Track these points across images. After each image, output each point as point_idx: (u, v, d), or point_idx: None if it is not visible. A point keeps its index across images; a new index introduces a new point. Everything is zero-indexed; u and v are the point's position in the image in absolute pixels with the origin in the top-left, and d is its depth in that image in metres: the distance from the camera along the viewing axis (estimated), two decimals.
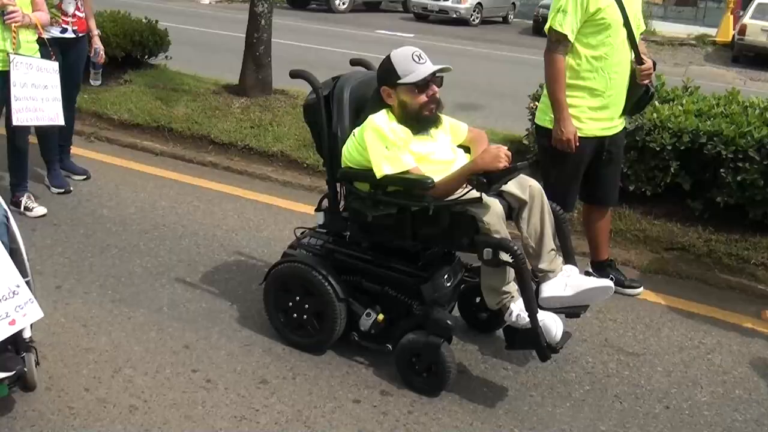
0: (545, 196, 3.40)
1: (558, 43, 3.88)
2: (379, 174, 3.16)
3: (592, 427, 3.25)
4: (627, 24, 3.93)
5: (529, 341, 3.17)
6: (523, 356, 3.68)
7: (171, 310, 3.94)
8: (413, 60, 3.26)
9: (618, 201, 4.65)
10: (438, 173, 3.17)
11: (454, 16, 21.54)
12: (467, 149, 3.52)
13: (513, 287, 3.18)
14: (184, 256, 4.59)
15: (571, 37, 3.86)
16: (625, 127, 4.34)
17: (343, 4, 22.10)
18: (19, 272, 2.97)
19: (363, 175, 3.29)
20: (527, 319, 3.12)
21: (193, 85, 8.00)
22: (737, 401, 3.52)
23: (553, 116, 3.98)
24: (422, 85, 3.24)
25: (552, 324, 3.14)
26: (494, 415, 3.26)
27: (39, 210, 5.01)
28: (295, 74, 3.54)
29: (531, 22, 22.07)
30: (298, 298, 3.55)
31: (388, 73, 3.28)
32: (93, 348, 3.53)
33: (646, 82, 4.11)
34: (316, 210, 3.72)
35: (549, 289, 3.35)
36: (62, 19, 5.16)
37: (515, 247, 3.04)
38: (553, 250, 3.40)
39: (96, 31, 5.55)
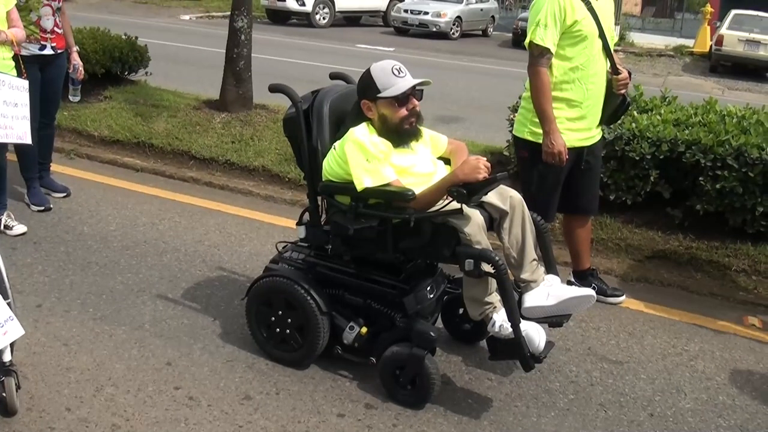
0: (526, 206, 3.41)
1: (541, 56, 3.91)
2: (359, 187, 3.16)
3: None
4: (602, 35, 3.98)
5: (513, 351, 3.18)
6: (507, 367, 3.68)
7: (153, 326, 3.91)
8: (393, 73, 3.27)
9: (597, 210, 4.66)
10: (419, 185, 3.18)
11: (434, 29, 21.62)
12: (447, 161, 3.53)
13: (495, 298, 3.19)
14: (166, 272, 4.56)
15: (553, 50, 3.89)
16: (603, 137, 4.37)
17: (324, 18, 22.14)
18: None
19: (344, 188, 3.29)
20: (510, 330, 3.12)
21: (173, 100, 7.98)
22: (721, 407, 3.54)
23: (533, 129, 4.02)
24: (402, 99, 3.25)
25: (535, 334, 3.15)
26: (479, 426, 3.26)
27: (19, 228, 4.96)
28: (274, 89, 3.53)
29: (510, 35, 22.20)
30: (280, 312, 3.54)
31: (368, 86, 3.29)
32: (74, 367, 3.49)
33: (623, 91, 4.15)
34: (298, 224, 3.71)
35: (531, 299, 3.35)
36: (41, 36, 5.13)
37: (497, 258, 3.05)
38: (534, 260, 3.40)
39: (75, 48, 5.53)
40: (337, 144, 3.32)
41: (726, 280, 4.94)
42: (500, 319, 3.16)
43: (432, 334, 3.27)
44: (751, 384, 3.76)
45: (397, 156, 3.27)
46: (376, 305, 3.42)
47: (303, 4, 21.45)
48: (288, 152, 6.18)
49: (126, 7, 23.80)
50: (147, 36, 9.91)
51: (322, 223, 3.59)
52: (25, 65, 4.68)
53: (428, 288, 3.41)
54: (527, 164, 4.14)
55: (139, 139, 6.99)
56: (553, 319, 3.39)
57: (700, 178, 5.07)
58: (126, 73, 8.43)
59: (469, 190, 3.01)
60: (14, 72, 4.54)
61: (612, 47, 4.06)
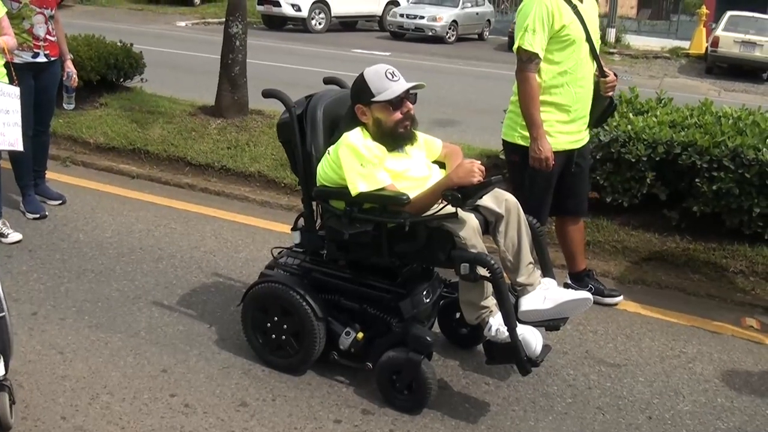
0: (521, 209, 3.41)
1: (529, 61, 3.91)
2: (354, 191, 3.15)
3: None
4: (589, 39, 4.01)
5: (509, 355, 3.16)
6: (504, 371, 3.66)
7: (148, 334, 3.89)
8: (387, 77, 3.26)
9: (587, 212, 4.66)
10: (413, 190, 3.17)
11: (430, 34, 21.62)
12: (442, 165, 3.52)
13: (491, 302, 3.18)
14: (162, 279, 4.54)
15: (542, 55, 3.90)
16: (599, 139, 4.37)
17: (320, 24, 22.13)
18: None
19: (338, 192, 3.28)
20: (507, 334, 3.11)
21: (168, 107, 7.97)
22: (719, 409, 3.52)
23: (524, 133, 4.02)
24: (396, 103, 3.24)
25: (531, 337, 3.13)
26: (476, 430, 3.24)
27: (14, 236, 4.95)
28: (267, 94, 3.53)
29: (506, 38, 22.16)
30: (276, 318, 3.52)
31: (362, 91, 3.28)
32: (69, 375, 3.48)
33: (610, 93, 4.19)
34: (293, 229, 3.71)
35: (528, 303, 3.34)
36: (33, 44, 5.12)
37: (492, 262, 3.04)
38: (531, 263, 3.40)
39: (68, 55, 5.52)
40: (331, 149, 3.31)
41: (723, 281, 4.93)
42: (497, 323, 3.15)
43: (428, 338, 3.26)
44: (750, 386, 3.74)
45: (391, 160, 3.26)
46: (372, 310, 3.41)
47: (299, 10, 21.44)
48: (284, 158, 6.15)
49: (122, 14, 23.80)
50: (143, 43, 9.91)
51: (317, 228, 3.58)
52: (18, 73, 4.68)
53: (424, 292, 3.39)
54: (518, 168, 4.14)
55: (135, 146, 6.98)
56: (550, 323, 3.38)
57: (697, 180, 5.06)
58: (121, 80, 8.42)
59: (463, 194, 3.00)
60: (6, 79, 4.53)
61: (598, 50, 4.08)
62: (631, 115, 5.58)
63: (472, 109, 10.75)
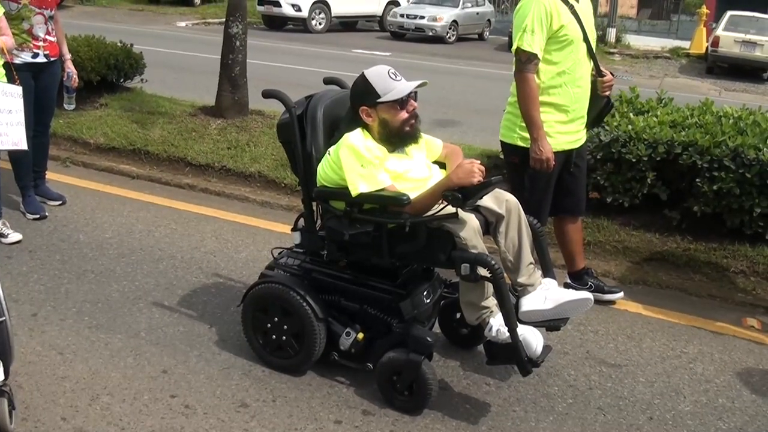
0: (522, 209, 3.40)
1: (528, 62, 3.91)
2: (354, 192, 3.15)
3: None
4: (586, 38, 4.01)
5: (510, 356, 3.16)
6: (505, 371, 3.66)
7: (148, 334, 3.89)
8: (390, 78, 3.26)
9: (585, 211, 4.66)
10: (414, 191, 3.16)
11: (430, 34, 21.61)
12: (443, 165, 3.52)
13: (492, 302, 3.17)
14: (162, 279, 4.54)
15: (540, 55, 3.90)
16: (600, 139, 4.37)
17: (320, 24, 22.12)
18: None
19: (338, 193, 3.27)
20: (507, 334, 3.10)
21: (169, 107, 7.97)
22: (720, 410, 3.52)
23: (523, 134, 4.02)
24: (403, 102, 3.24)
25: (532, 338, 3.13)
26: (477, 431, 3.23)
27: (14, 236, 4.94)
28: (267, 94, 3.53)
29: (506, 38, 22.13)
30: (276, 319, 3.52)
31: (366, 92, 3.27)
32: (69, 376, 3.47)
33: (607, 93, 4.20)
34: (293, 230, 3.70)
35: (528, 303, 3.34)
36: (33, 44, 5.11)
37: (493, 262, 3.03)
38: (531, 263, 3.39)
39: (68, 55, 5.51)
40: (331, 149, 3.30)
41: (724, 281, 4.92)
42: (497, 324, 3.15)
43: (429, 339, 3.25)
44: (751, 386, 3.74)
45: (392, 161, 3.25)
46: (373, 311, 3.40)
47: (299, 10, 21.43)
48: (284, 158, 6.14)
49: (122, 14, 23.80)
50: (143, 43, 9.91)
51: (318, 228, 3.57)
52: (18, 73, 4.67)
53: (425, 293, 3.39)
54: (518, 170, 4.13)
55: (135, 146, 6.97)
56: (550, 323, 3.38)
57: (697, 180, 5.05)
58: (121, 80, 8.43)
59: (464, 194, 3.00)
60: (5, 79, 4.53)
61: (594, 49, 4.08)
62: (631, 115, 5.58)
63: (472, 109, 10.75)
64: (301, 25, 21.94)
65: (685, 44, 22.16)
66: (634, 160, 5.17)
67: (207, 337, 3.89)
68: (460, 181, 3.04)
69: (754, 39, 17.44)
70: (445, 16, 21.93)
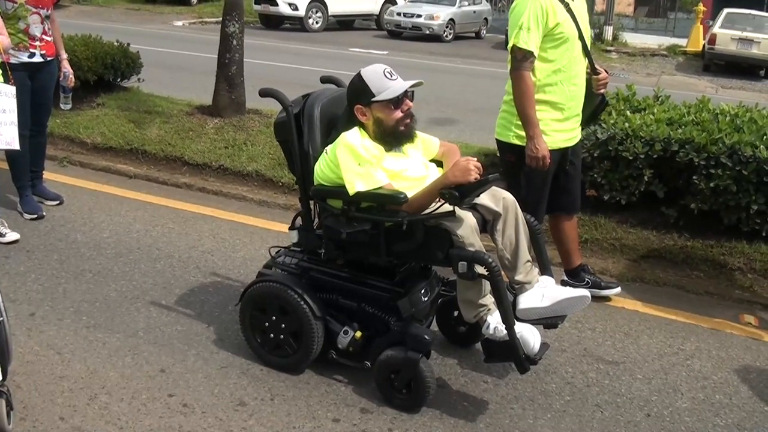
0: (519, 207, 3.40)
1: (524, 60, 3.91)
2: (351, 191, 3.15)
3: None
4: (581, 36, 4.01)
5: (508, 353, 3.16)
6: (503, 369, 3.67)
7: (146, 334, 3.89)
8: (385, 77, 3.27)
9: (585, 210, 4.67)
10: (411, 189, 3.16)
11: (428, 32, 21.61)
12: (440, 164, 3.52)
13: (489, 300, 3.17)
14: (160, 278, 4.54)
15: (536, 53, 3.90)
16: (597, 136, 4.37)
17: (317, 23, 22.11)
18: None
19: (336, 192, 3.27)
20: (505, 332, 3.11)
21: (166, 106, 7.96)
22: (718, 406, 3.53)
23: (519, 132, 4.03)
24: (397, 101, 3.24)
25: (530, 335, 3.14)
26: (475, 429, 3.24)
27: (11, 236, 4.93)
28: (264, 93, 3.52)
29: (503, 36, 22.18)
30: (274, 317, 3.52)
31: (361, 91, 3.27)
32: (68, 375, 3.47)
33: (602, 90, 4.21)
34: (290, 228, 3.70)
35: (526, 301, 3.34)
36: (30, 44, 5.11)
37: (490, 260, 3.04)
38: (528, 261, 3.39)
39: (64, 55, 5.50)
40: (328, 148, 3.30)
41: (721, 278, 4.93)
42: (495, 322, 3.15)
43: (427, 337, 3.26)
44: (748, 382, 3.75)
45: (389, 160, 3.26)
46: (371, 309, 3.40)
47: (296, 9, 21.42)
48: (281, 157, 6.15)
49: (118, 14, 23.77)
50: (139, 42, 9.89)
51: (315, 227, 3.58)
52: (14, 73, 4.66)
53: (422, 291, 3.40)
54: (514, 168, 4.13)
55: (132, 146, 6.97)
56: (548, 321, 3.38)
57: (694, 177, 5.06)
58: (118, 79, 8.42)
59: (461, 192, 3.00)
60: (1, 79, 4.53)
61: (589, 47, 4.09)
62: (628, 112, 5.58)
63: (469, 108, 10.75)
64: (298, 24, 21.92)
65: (682, 42, 22.19)
66: (631, 158, 5.18)
67: (205, 336, 3.89)
68: (457, 179, 3.04)
69: (751, 36, 17.45)
70: (442, 14, 21.92)
